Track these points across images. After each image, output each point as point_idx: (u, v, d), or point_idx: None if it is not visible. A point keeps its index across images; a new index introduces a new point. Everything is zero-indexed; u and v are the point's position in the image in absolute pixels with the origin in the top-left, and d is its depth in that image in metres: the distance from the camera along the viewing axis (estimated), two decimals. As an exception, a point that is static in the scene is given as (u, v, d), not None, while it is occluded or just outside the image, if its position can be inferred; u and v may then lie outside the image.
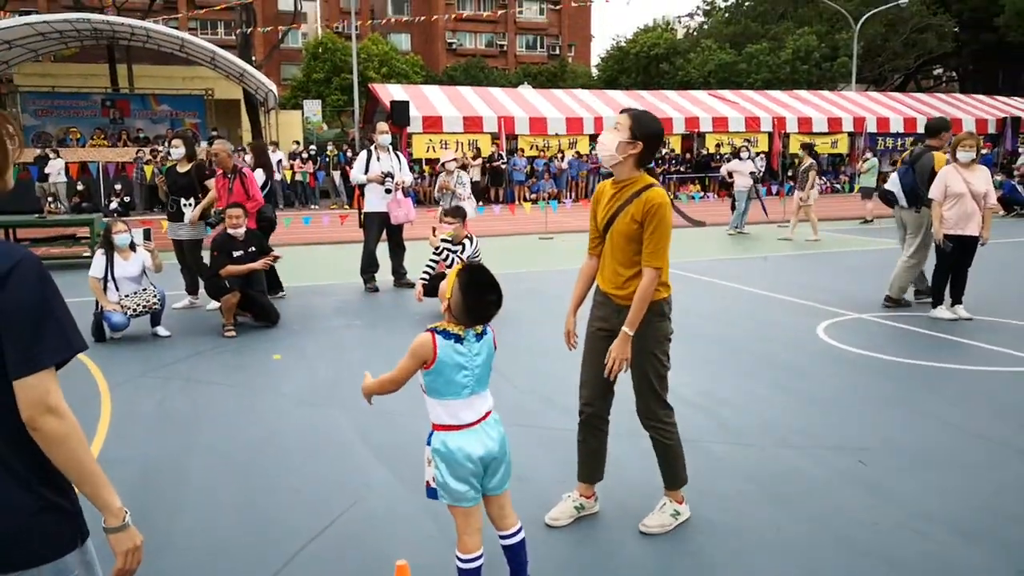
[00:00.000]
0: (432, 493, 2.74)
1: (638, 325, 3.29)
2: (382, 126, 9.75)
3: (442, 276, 7.98)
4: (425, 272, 8.03)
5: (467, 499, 2.69)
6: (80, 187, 20.33)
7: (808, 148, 16.02)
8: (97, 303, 7.08)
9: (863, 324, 7.61)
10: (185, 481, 4.12)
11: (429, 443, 2.72)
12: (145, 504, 3.86)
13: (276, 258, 7.60)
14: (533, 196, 23.15)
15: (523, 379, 5.83)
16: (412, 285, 8.92)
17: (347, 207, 19.75)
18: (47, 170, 19.19)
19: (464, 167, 10.46)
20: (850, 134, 27.86)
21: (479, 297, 2.65)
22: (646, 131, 3.31)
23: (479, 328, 2.72)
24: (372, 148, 9.54)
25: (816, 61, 40.38)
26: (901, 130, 28.15)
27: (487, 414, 2.73)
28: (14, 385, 1.55)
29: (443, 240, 8.11)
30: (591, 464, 3.67)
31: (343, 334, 7.38)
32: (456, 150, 23.14)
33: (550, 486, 3.92)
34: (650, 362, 3.42)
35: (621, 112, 3.42)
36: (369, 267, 9.50)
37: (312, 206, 22.13)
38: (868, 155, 19.13)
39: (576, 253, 13.24)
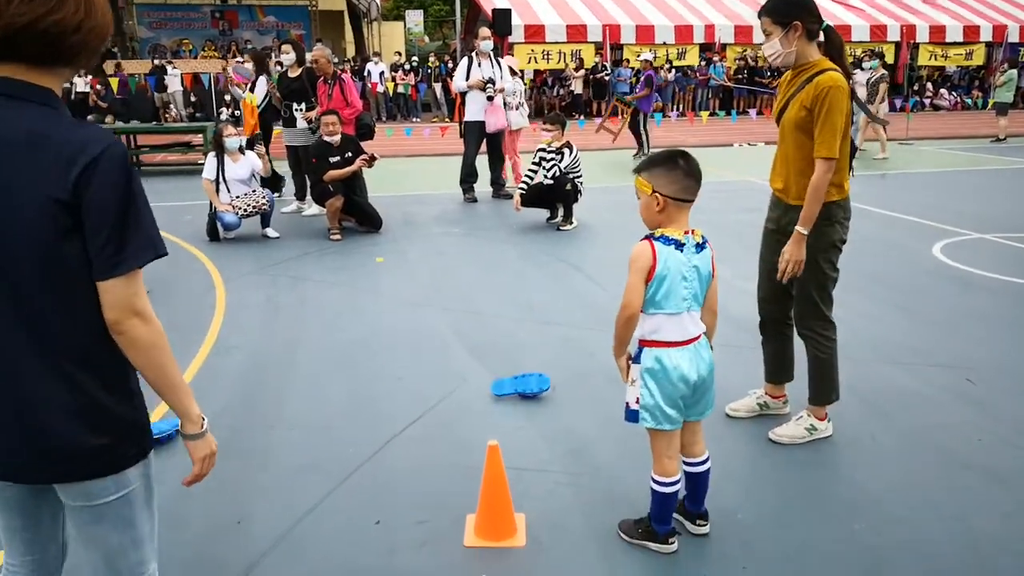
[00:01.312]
0: (632, 415, 2.56)
1: (809, 223, 3.10)
2: (484, 31, 9.59)
3: (540, 186, 7.95)
4: (524, 181, 8.01)
5: (675, 422, 2.53)
6: (193, 98, 21.11)
7: (880, 56, 14.94)
8: (211, 204, 7.44)
9: (984, 244, 7.16)
10: (293, 368, 4.36)
11: (638, 361, 2.54)
12: (256, 386, 4.14)
13: (373, 158, 7.67)
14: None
15: (615, 288, 5.82)
16: (510, 196, 8.92)
17: (448, 120, 19.78)
18: (166, 81, 19.99)
19: (516, 73, 10.10)
20: (987, 44, 25.53)
21: (681, 158, 2.48)
22: (787, 9, 3.10)
23: (699, 237, 2.52)
24: (473, 55, 9.44)
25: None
26: (1050, 38, 25.55)
27: (700, 335, 2.55)
28: (99, 286, 1.45)
29: (540, 149, 8.04)
30: (774, 364, 3.61)
31: (442, 240, 7.51)
32: (558, 61, 22.66)
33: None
34: (812, 269, 3.23)
35: (759, 17, 3.21)
36: (468, 177, 9.54)
37: (414, 119, 22.26)
38: (1005, 66, 17.54)
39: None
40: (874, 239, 7.38)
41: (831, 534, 2.77)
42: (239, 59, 10.29)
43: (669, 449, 2.58)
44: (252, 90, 9.09)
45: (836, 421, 3.56)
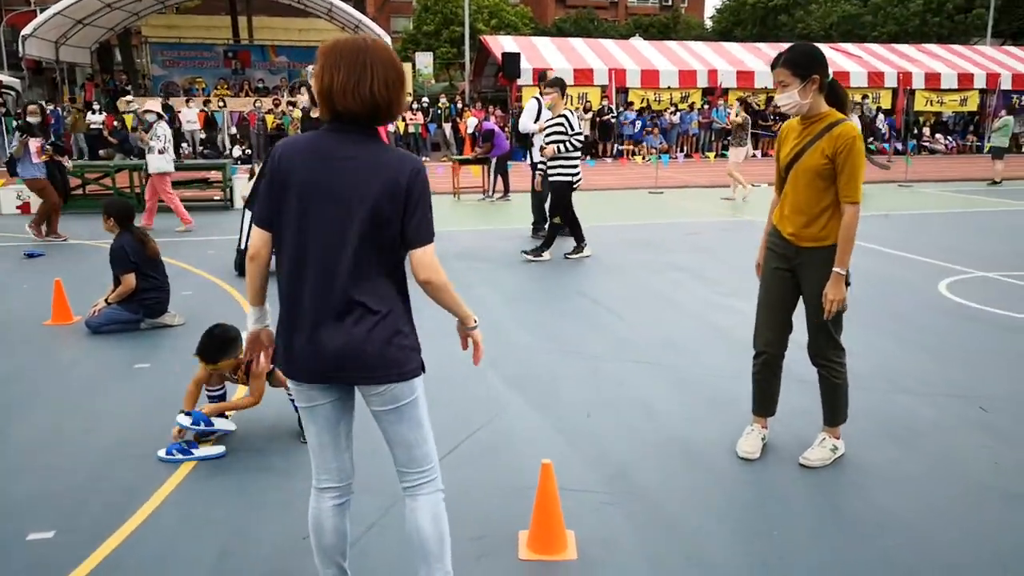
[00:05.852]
0: None
1: (846, 263, 3.35)
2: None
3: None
4: (542, 162, 8.62)
5: None
6: (201, 135, 21.54)
7: (744, 103, 15.47)
8: (240, 238, 7.67)
9: (988, 282, 7.42)
10: (336, 395, 4.55)
11: None
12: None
13: None
14: (643, 152, 22.94)
15: (635, 320, 6.05)
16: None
17: (450, 158, 20.10)
18: (184, 118, 20.53)
19: (163, 118, 10.71)
20: (981, 91, 26.16)
21: None
22: (807, 62, 3.31)
23: None
24: (541, 98, 9.67)
25: (949, 13, 37.81)
26: (1040, 87, 26.25)
27: None
28: (413, 254, 2.22)
29: (548, 122, 8.51)
30: (768, 399, 3.81)
31: (467, 275, 7.74)
32: (566, 103, 23.11)
33: (677, 419, 4.22)
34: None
35: (772, 69, 3.42)
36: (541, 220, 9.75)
37: (424, 158, 22.65)
38: (1003, 113, 18.02)
39: (685, 208, 13.19)
40: (882, 277, 7.63)
41: (863, 552, 2.96)
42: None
43: None
44: None
45: (857, 449, 3.78)
